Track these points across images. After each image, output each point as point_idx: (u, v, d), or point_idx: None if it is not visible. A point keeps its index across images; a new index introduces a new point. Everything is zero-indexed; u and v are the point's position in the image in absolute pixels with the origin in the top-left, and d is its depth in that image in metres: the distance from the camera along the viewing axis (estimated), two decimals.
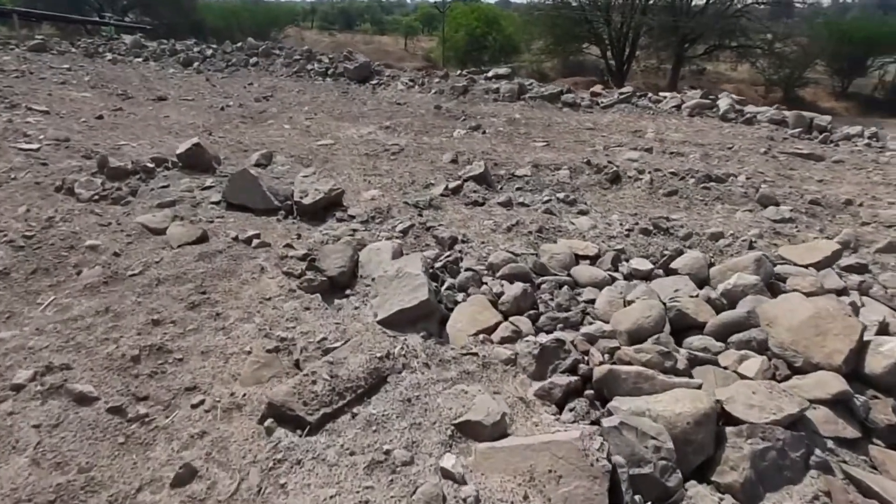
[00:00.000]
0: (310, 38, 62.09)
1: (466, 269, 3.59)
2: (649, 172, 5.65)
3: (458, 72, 11.79)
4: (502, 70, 11.21)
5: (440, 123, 7.83)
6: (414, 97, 9.46)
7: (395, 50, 58.18)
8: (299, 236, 3.93)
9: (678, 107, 9.40)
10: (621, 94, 10.12)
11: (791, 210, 5.05)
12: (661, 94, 10.64)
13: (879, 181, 6.45)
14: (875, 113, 29.90)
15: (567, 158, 6.12)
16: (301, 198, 4.38)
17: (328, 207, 4.42)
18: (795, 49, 29.12)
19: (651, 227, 4.37)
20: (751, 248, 4.16)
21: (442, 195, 5.02)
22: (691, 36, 30.04)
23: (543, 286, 3.48)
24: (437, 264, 3.63)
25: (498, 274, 3.56)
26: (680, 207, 5.06)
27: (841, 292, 3.54)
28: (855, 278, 3.77)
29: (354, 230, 4.08)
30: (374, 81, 10.88)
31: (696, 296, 3.33)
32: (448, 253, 3.82)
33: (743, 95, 34.49)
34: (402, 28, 62.44)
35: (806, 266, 3.86)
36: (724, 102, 9.62)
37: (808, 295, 3.37)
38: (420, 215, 4.54)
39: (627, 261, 3.91)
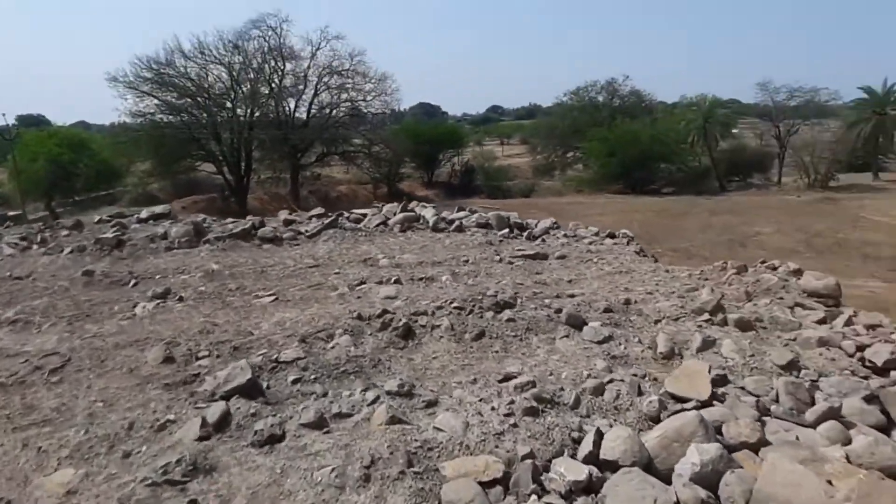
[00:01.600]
0: None
1: None
2: (433, 314, 4.62)
3: (98, 217, 9.10)
4: (159, 208, 9.11)
5: (103, 298, 5.35)
6: (39, 264, 6.44)
7: None
8: None
9: (385, 223, 8.60)
10: (317, 216, 8.98)
11: (600, 324, 4.64)
12: (356, 211, 9.65)
13: (615, 271, 6.58)
14: (457, 195, 38.43)
15: (324, 314, 4.65)
16: None
17: None
18: (388, 151, 35.42)
19: (533, 402, 3.28)
20: (640, 393, 3.52)
21: (200, 439, 2.91)
22: (301, 146, 33.31)
23: None
24: None
25: None
26: (504, 353, 4.21)
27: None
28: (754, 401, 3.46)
29: None
30: None
31: None
32: None
33: (356, 194, 40.16)
34: None
35: (707, 401, 3.36)
36: (428, 213, 9.14)
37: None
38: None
39: (547, 471, 2.74)
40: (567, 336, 4.47)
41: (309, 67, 32.41)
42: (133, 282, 5.83)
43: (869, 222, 24.51)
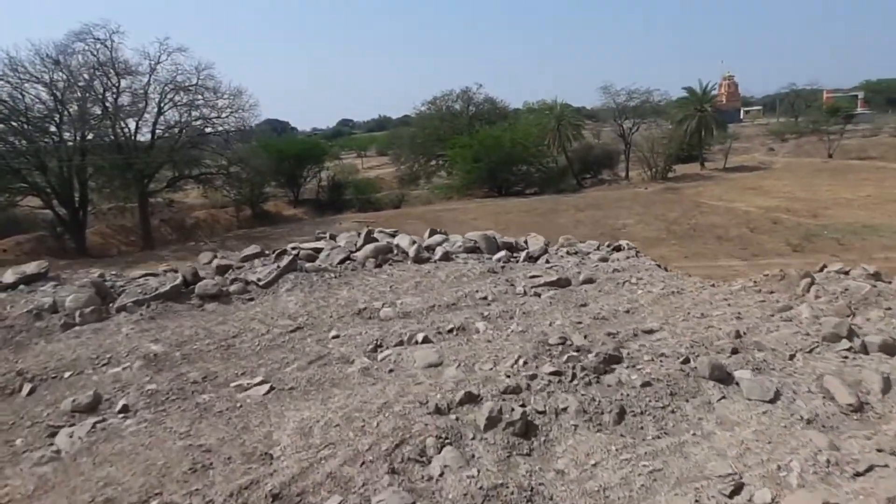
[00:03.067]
0: None
1: None
2: (529, 388, 3.65)
3: None
4: (31, 267, 6.41)
5: None
6: None
7: None
8: None
9: (350, 258, 7.17)
10: (255, 256, 7.22)
11: (751, 374, 3.87)
12: (304, 245, 7.99)
13: (665, 292, 5.91)
14: (327, 212, 37.64)
15: (371, 409, 3.41)
16: None
17: None
18: (247, 171, 33.60)
19: None
20: None
21: None
22: (147, 171, 30.46)
23: None
24: None
25: None
26: (666, 434, 3.33)
27: None
28: None
29: None
30: None
31: None
32: None
33: (217, 219, 37.76)
34: None
35: None
36: (404, 241, 7.86)
37: None
38: None
39: None
40: (725, 397, 3.68)
41: (149, 83, 29.71)
42: (28, 388, 3.92)
43: (709, 207, 27.97)
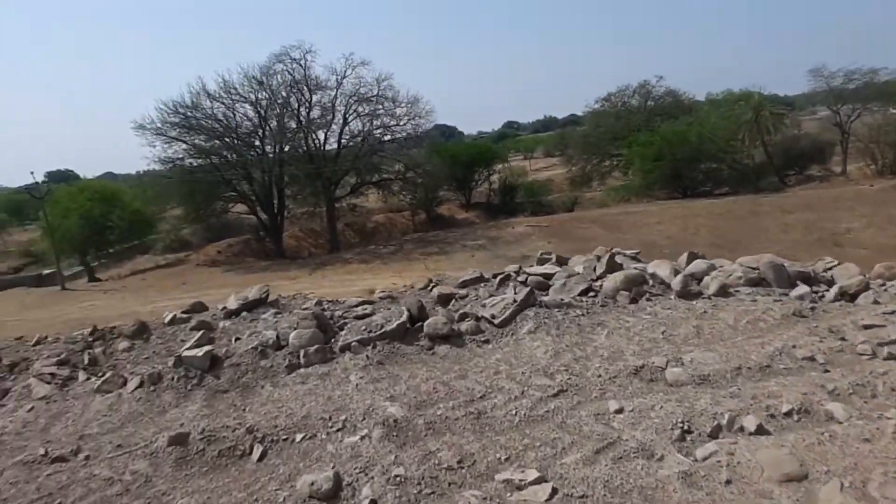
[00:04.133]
0: None
1: None
2: None
3: (171, 314, 6.22)
4: (253, 291, 6.41)
5: (223, 500, 3.26)
6: (91, 417, 4.15)
7: None
8: None
9: (591, 289, 5.94)
10: (475, 280, 6.48)
11: None
12: (531, 270, 6.80)
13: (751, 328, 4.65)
14: (499, 215, 37.65)
15: None
16: None
17: None
18: (422, 175, 34.98)
19: None
20: None
21: None
22: (334, 179, 31.93)
23: None
24: None
25: None
26: None
27: None
28: None
29: None
30: None
31: None
32: None
33: (394, 223, 39.77)
34: None
35: None
36: (664, 269, 6.35)
37: None
38: None
39: None
40: None
41: (336, 97, 32.28)
42: (259, 451, 3.50)
43: None
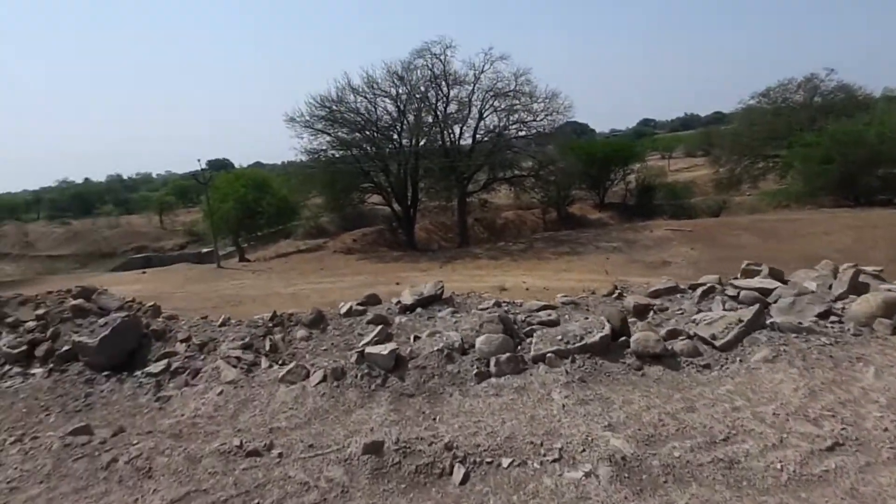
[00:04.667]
0: (36, 231, 54.40)
1: None
2: None
3: (347, 305, 6.06)
4: (427, 287, 6.01)
5: None
6: (277, 408, 4.05)
7: (150, 229, 53.65)
8: None
9: (830, 311, 4.83)
10: (671, 291, 5.80)
11: None
12: (739, 282, 5.75)
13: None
14: (635, 217, 35.84)
15: None
16: None
17: None
18: (556, 172, 32.88)
19: None
20: None
21: None
22: (467, 173, 31.85)
23: None
24: None
25: None
26: None
27: None
28: None
29: None
30: (152, 369, 4.80)
31: None
32: None
33: (524, 220, 39.34)
34: (153, 204, 58.69)
35: None
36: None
37: None
38: None
39: None
40: None
41: (473, 92, 32.43)
42: (461, 473, 3.07)
43: None
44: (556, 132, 33.00)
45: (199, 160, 33.25)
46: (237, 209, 32.70)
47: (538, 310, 5.29)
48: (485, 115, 32.47)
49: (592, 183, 38.13)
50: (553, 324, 4.84)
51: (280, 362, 4.85)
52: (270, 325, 5.53)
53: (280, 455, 3.36)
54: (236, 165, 74.10)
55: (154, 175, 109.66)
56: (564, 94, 31.84)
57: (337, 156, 32.85)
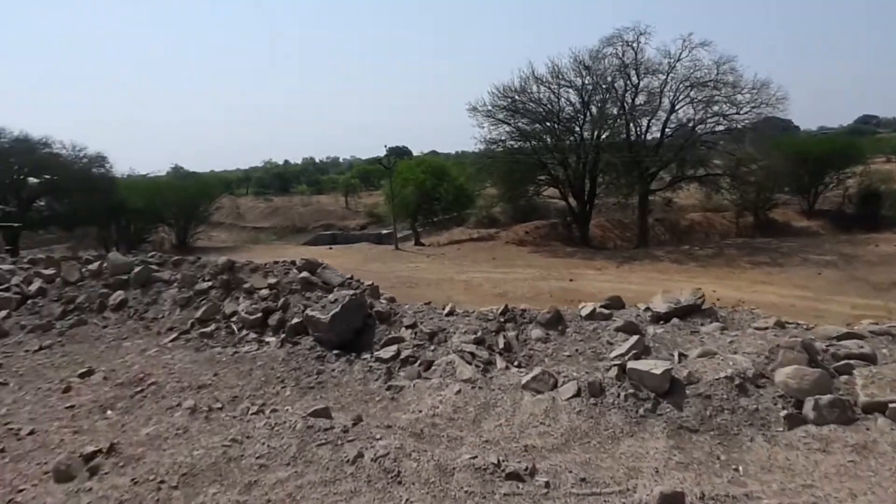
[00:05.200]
0: (245, 204, 62.06)
1: None
2: None
3: (589, 307, 5.46)
4: (685, 296, 5.15)
5: None
6: (526, 421, 3.59)
7: (336, 209, 58.75)
8: None
9: None
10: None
11: None
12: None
13: None
14: (853, 228, 30.89)
15: None
16: None
17: None
18: (757, 172, 29.21)
19: None
20: None
21: None
22: (652, 170, 29.81)
23: None
24: None
25: None
26: None
27: None
28: None
29: None
30: (382, 354, 4.65)
31: None
32: None
33: (712, 224, 35.94)
34: (339, 186, 63.87)
35: None
36: None
37: None
38: None
39: None
40: None
41: (665, 82, 30.19)
42: None
43: None
44: (759, 127, 29.50)
45: (385, 146, 35.21)
46: (416, 194, 34.14)
47: (839, 338, 4.20)
48: (677, 108, 30.10)
49: (800, 186, 33.54)
50: (868, 358, 3.80)
51: (516, 364, 4.44)
52: (502, 320, 5.13)
53: (547, 485, 2.85)
54: (414, 153, 77.84)
55: (341, 159, 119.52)
56: (776, 85, 28.20)
57: (515, 146, 32.65)
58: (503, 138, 32.78)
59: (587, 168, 30.79)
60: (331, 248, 32.82)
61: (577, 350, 4.52)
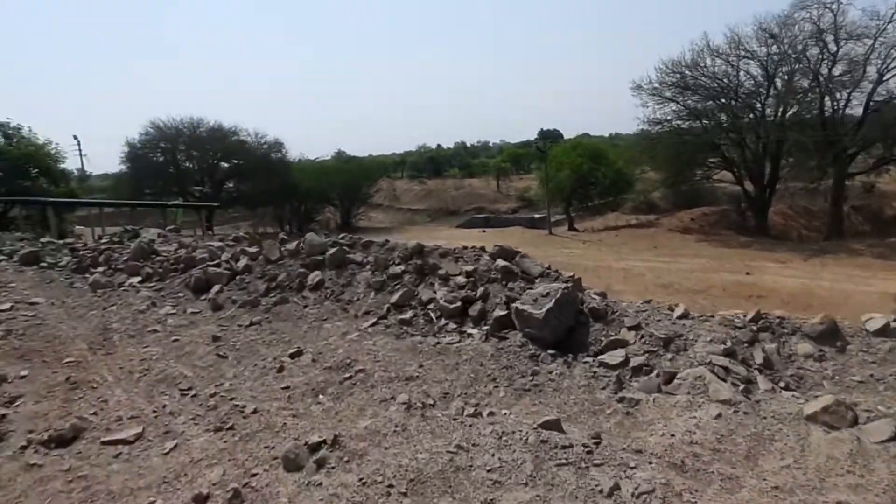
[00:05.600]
0: (401, 187, 64.95)
1: None
2: None
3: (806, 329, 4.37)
4: None
5: None
6: (819, 465, 2.82)
7: (487, 192, 59.27)
8: None
9: None
10: None
11: None
12: None
13: None
14: None
15: None
16: None
17: None
18: None
19: None
20: None
21: None
22: (852, 150, 26.08)
23: None
24: None
25: None
26: None
27: None
28: None
29: None
30: (607, 360, 4.11)
31: None
32: None
33: None
34: (490, 170, 64.39)
35: None
36: None
37: None
38: None
39: None
40: None
41: (872, 48, 25.96)
42: None
43: None
44: None
45: (541, 129, 34.53)
46: (571, 178, 33.18)
47: None
48: (886, 78, 25.76)
49: None
50: None
51: (782, 385, 3.68)
52: (755, 328, 4.28)
53: None
54: (565, 136, 75.95)
55: (491, 143, 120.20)
56: None
57: (683, 126, 30.25)
58: (669, 118, 30.52)
59: (768, 149, 27.58)
60: (484, 231, 33.06)
61: (871, 375, 3.62)
